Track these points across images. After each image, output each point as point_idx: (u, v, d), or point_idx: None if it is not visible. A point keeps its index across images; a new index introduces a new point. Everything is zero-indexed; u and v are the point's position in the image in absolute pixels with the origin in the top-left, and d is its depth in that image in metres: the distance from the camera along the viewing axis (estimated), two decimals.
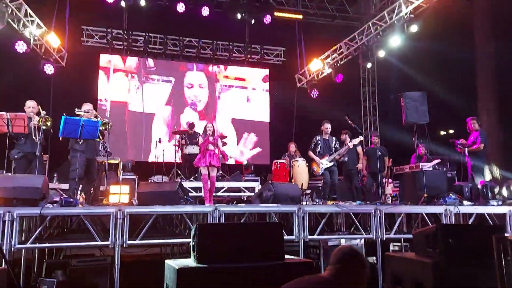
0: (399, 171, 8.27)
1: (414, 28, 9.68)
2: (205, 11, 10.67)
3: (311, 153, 8.06)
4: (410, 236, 5.47)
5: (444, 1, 9.24)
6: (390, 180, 8.57)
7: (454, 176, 8.81)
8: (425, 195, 7.20)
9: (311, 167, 8.06)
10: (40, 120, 6.49)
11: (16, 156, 6.34)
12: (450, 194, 7.36)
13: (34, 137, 6.42)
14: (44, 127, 6.47)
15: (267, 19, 11.20)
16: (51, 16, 10.34)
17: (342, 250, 2.35)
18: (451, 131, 13.05)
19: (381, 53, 11.05)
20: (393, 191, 8.67)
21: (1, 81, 9.25)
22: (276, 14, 11.83)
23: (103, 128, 6.96)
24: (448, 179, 8.33)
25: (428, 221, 6.42)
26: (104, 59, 12.48)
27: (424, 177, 7.53)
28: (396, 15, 10.03)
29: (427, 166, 7.85)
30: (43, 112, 6.54)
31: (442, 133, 13.42)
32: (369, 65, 11.90)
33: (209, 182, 6.87)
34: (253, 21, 11.30)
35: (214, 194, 7.29)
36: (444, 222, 6.45)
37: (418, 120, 8.12)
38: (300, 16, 12.51)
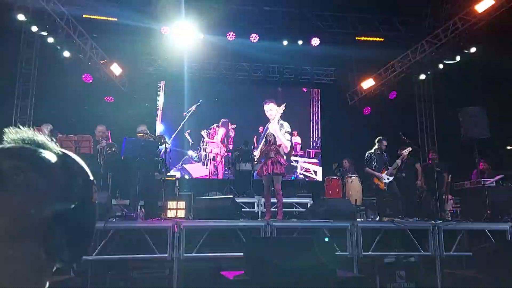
0: (459, 187, 7.93)
1: (472, 49, 9.41)
2: (254, 38, 11.05)
3: (369, 170, 7.78)
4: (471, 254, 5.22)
5: (501, 18, 8.91)
6: (450, 196, 8.21)
7: None
8: (488, 211, 6.84)
9: (373, 183, 7.72)
10: (107, 146, 7.09)
11: None
12: None
13: (98, 160, 6.97)
14: (108, 151, 7.04)
15: (315, 42, 11.33)
16: (114, 47, 11.17)
17: None
18: None
19: (437, 68, 10.70)
20: (453, 208, 8.29)
21: (70, 106, 10.05)
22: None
23: (160, 143, 7.41)
24: None
25: (492, 239, 6.07)
26: (162, 85, 13.18)
27: (486, 193, 7.20)
28: (451, 33, 9.76)
29: (489, 182, 7.49)
30: (110, 143, 7.17)
31: (509, 148, 12.57)
32: (422, 76, 11.53)
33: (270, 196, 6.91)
34: (300, 42, 11.47)
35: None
36: (509, 239, 6.08)
37: (478, 135, 7.78)
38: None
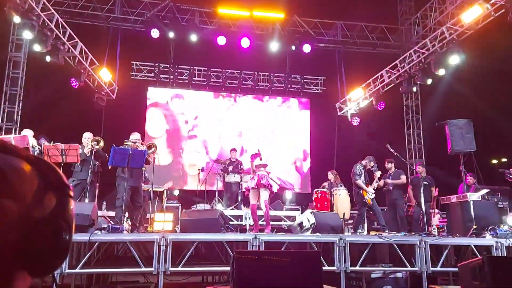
0: (446, 201, 7.97)
1: (455, 60, 9.48)
2: (245, 43, 10.98)
3: (360, 182, 7.75)
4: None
5: (489, 29, 9.01)
6: (436, 210, 8.26)
7: (506, 208, 8.36)
8: (474, 226, 6.89)
9: (362, 196, 7.72)
10: (92, 142, 7.00)
11: (71, 184, 6.76)
12: (502, 226, 7.01)
13: (89, 164, 6.87)
14: (97, 147, 6.98)
15: (306, 49, 11.36)
16: (103, 52, 11.08)
17: None
18: (503, 160, 12.39)
19: (426, 81, 10.78)
20: (440, 222, 8.33)
21: (58, 114, 9.88)
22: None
23: (150, 151, 7.28)
24: (499, 210, 7.94)
25: (478, 254, 6.11)
26: (152, 94, 13.10)
27: (472, 208, 7.24)
28: (439, 43, 9.91)
29: (475, 196, 7.54)
30: (95, 138, 7.10)
31: (494, 161, 12.74)
32: (414, 88, 11.57)
33: (260, 211, 6.82)
34: (293, 47, 11.46)
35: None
36: (495, 255, 6.12)
37: (464, 148, 7.88)
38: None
